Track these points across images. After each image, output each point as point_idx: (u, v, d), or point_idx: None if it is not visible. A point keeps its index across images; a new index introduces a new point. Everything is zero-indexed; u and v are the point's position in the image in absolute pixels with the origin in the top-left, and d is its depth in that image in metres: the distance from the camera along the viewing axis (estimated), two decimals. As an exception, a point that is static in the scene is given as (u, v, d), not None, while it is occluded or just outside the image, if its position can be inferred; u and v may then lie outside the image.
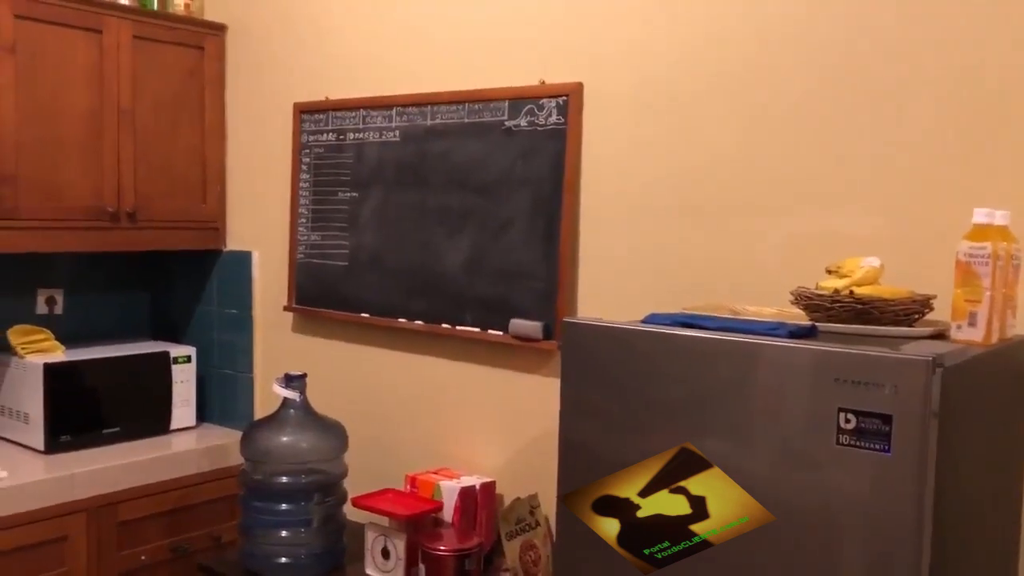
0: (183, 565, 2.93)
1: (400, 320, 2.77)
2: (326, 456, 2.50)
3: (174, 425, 3.19)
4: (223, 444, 3.09)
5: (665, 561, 1.57)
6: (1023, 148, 1.80)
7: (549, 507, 2.33)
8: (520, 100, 2.48)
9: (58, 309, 3.31)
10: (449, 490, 2.46)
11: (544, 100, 2.44)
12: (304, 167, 3.04)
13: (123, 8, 3.04)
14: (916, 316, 1.70)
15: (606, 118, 2.36)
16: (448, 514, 2.44)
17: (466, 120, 2.60)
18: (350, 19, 2.92)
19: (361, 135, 2.87)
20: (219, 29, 3.28)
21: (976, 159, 1.86)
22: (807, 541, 1.43)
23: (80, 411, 2.97)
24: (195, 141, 3.24)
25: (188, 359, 3.24)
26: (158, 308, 3.58)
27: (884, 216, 1.96)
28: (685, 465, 1.55)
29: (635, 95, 2.31)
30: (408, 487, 2.54)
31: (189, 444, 3.08)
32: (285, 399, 2.52)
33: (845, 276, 1.76)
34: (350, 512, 2.55)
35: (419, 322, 2.72)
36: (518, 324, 2.48)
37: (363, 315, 2.87)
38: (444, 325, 2.66)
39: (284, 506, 2.45)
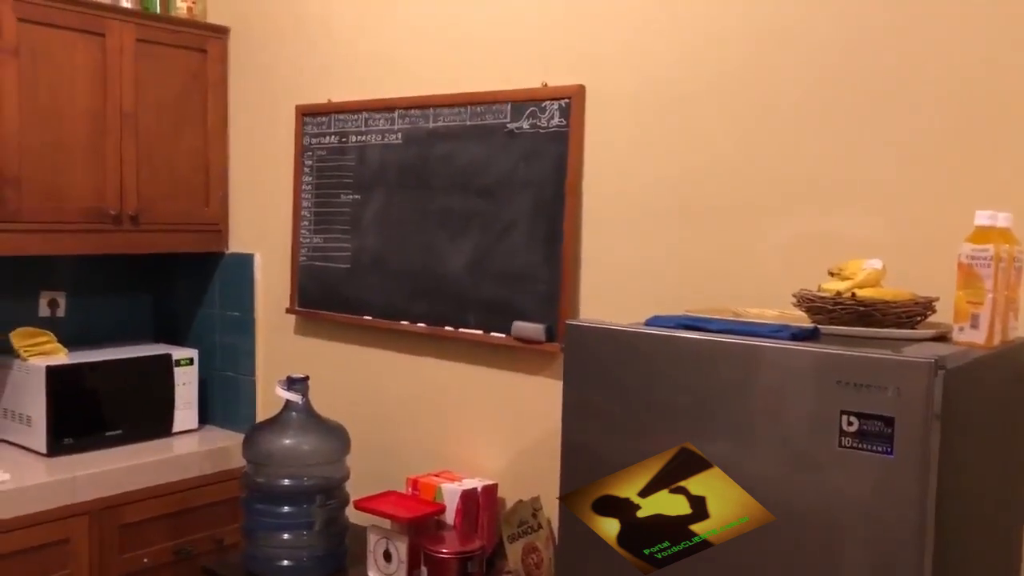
0: (185, 568, 2.93)
1: (402, 322, 2.77)
2: (328, 459, 2.50)
3: (176, 428, 3.20)
4: (225, 447, 3.09)
5: (665, 561, 1.57)
6: (1025, 150, 1.80)
7: (551, 510, 2.33)
8: (522, 102, 2.48)
9: (60, 311, 3.31)
10: (451, 492, 2.46)
11: (546, 102, 2.44)
12: (306, 169, 3.04)
13: (126, 11, 3.05)
14: (918, 318, 1.70)
15: (608, 120, 2.36)
16: (450, 517, 2.44)
17: (468, 122, 2.60)
18: (352, 22, 2.93)
19: (363, 137, 2.87)
20: (222, 32, 3.29)
21: (978, 161, 1.85)
22: (809, 543, 1.43)
23: (82, 413, 2.98)
24: (197, 144, 3.25)
25: (190, 361, 3.24)
26: (160, 310, 3.58)
27: (886, 218, 1.96)
28: (685, 465, 1.55)
29: (637, 97, 2.31)
30: (410, 490, 2.54)
31: (191, 447, 3.08)
32: (287, 401, 2.52)
33: (847, 278, 1.76)
34: (352, 515, 2.55)
35: (421, 324, 2.72)
36: (521, 326, 2.48)
37: (365, 317, 2.87)
38: (447, 327, 2.66)
39: (286, 509, 2.45)
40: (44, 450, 2.88)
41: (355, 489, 2.58)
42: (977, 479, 1.57)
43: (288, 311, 3.10)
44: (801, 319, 1.74)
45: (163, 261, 3.52)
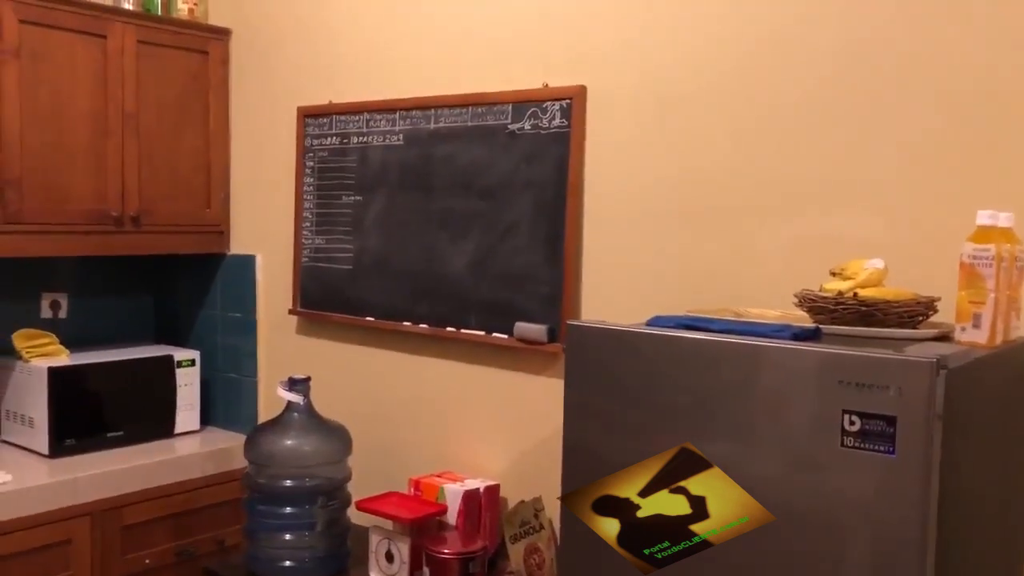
0: (187, 569, 2.93)
1: (404, 323, 2.77)
2: (330, 459, 2.50)
3: (178, 429, 3.20)
4: (227, 448, 3.09)
5: (665, 561, 1.57)
6: (1027, 150, 1.80)
7: (553, 510, 2.33)
8: (523, 103, 2.48)
9: (62, 313, 3.31)
10: (453, 493, 2.46)
11: (547, 103, 2.44)
12: (308, 171, 3.04)
13: (127, 13, 3.05)
14: (920, 318, 1.70)
15: (609, 121, 2.36)
16: (452, 517, 2.44)
17: (470, 123, 2.60)
18: (353, 23, 2.93)
19: (365, 139, 2.87)
20: (223, 33, 3.29)
21: (980, 161, 1.85)
22: (811, 543, 1.43)
23: (84, 415, 2.98)
24: (199, 145, 3.25)
25: (192, 363, 3.24)
26: (162, 312, 3.59)
27: (888, 218, 1.96)
28: (685, 465, 1.55)
29: (638, 98, 2.31)
30: (412, 490, 2.54)
31: (193, 448, 3.08)
32: (289, 402, 2.52)
33: (849, 278, 1.76)
34: (354, 515, 2.55)
35: (423, 325, 2.72)
36: (523, 327, 2.48)
37: (367, 318, 2.87)
38: (448, 328, 2.66)
39: (288, 510, 2.46)
40: (46, 451, 2.88)
41: (357, 490, 2.58)
42: (979, 479, 1.57)
43: (290, 312, 3.10)
44: (803, 319, 1.74)
45: (165, 262, 3.52)
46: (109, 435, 3.02)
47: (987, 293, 1.57)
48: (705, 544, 1.53)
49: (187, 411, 3.22)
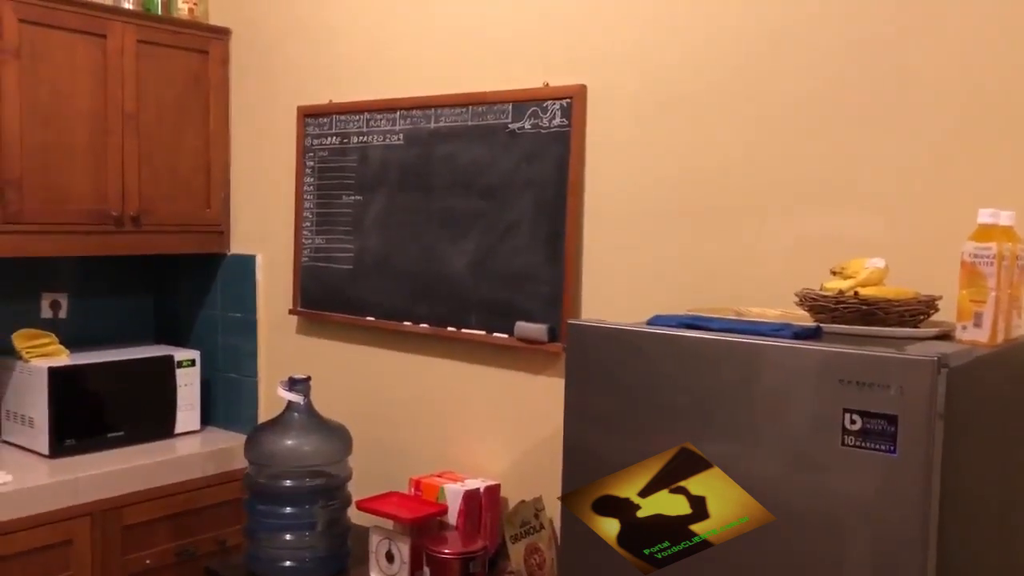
0: (188, 569, 2.93)
1: (405, 323, 2.77)
2: (330, 459, 2.50)
3: (178, 429, 3.20)
4: (228, 448, 3.09)
5: (665, 561, 1.57)
6: (1028, 148, 1.80)
7: (554, 510, 2.33)
8: (524, 103, 2.48)
9: (62, 313, 3.31)
10: (453, 493, 2.45)
11: (548, 102, 2.44)
12: (308, 170, 3.04)
13: (127, 13, 3.05)
14: (921, 317, 1.69)
15: (610, 120, 2.36)
16: (452, 517, 2.44)
17: (470, 123, 2.60)
18: (354, 22, 2.93)
19: (365, 138, 2.87)
20: (223, 33, 3.29)
21: (980, 159, 1.85)
22: (812, 543, 1.43)
23: (84, 415, 2.98)
24: (199, 145, 3.25)
25: (192, 363, 3.24)
26: (162, 312, 3.59)
27: (888, 217, 1.95)
28: (685, 465, 1.55)
29: (639, 97, 2.31)
30: (412, 490, 2.54)
31: (194, 448, 3.08)
32: (289, 402, 2.52)
33: (850, 277, 1.76)
34: (354, 515, 2.54)
35: (424, 325, 2.72)
36: (523, 327, 2.47)
37: (368, 318, 2.87)
38: (449, 328, 2.65)
39: (288, 509, 2.45)
40: (46, 451, 2.88)
41: (357, 490, 2.58)
42: (981, 478, 1.57)
43: (290, 312, 3.10)
44: (804, 318, 1.74)
45: (165, 262, 3.52)
46: (109, 435, 3.01)
47: (988, 292, 1.56)
48: (705, 544, 1.52)
49: (187, 411, 3.22)
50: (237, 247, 3.34)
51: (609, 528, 1.63)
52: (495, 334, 2.55)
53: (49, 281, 3.29)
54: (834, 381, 1.40)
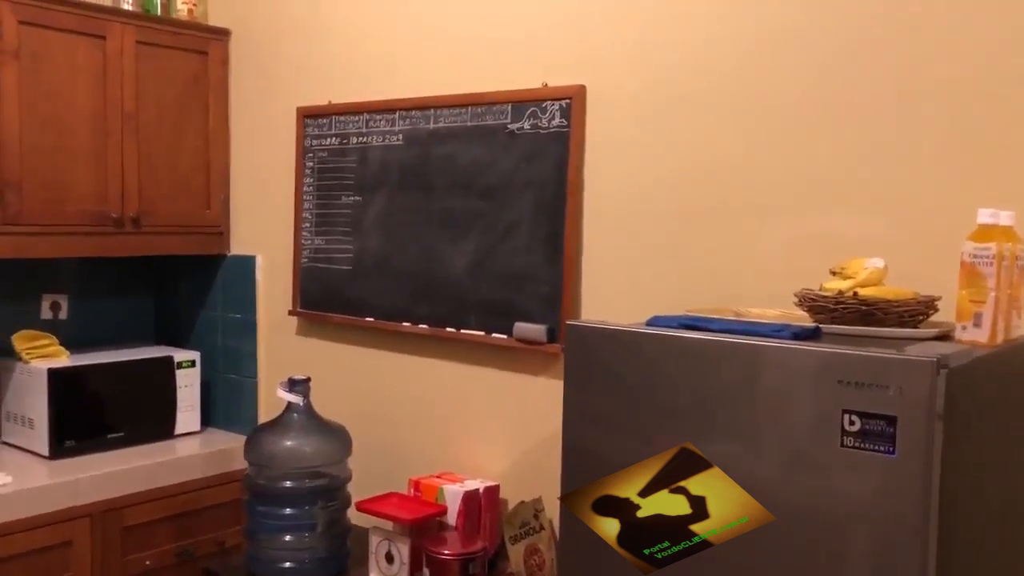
0: (188, 570, 2.93)
1: (404, 324, 2.76)
2: (330, 460, 2.50)
3: (179, 430, 3.19)
4: (228, 448, 3.09)
5: (665, 561, 1.56)
6: (1028, 148, 1.80)
7: (553, 511, 2.32)
8: (523, 103, 2.48)
9: (63, 314, 3.31)
10: (453, 494, 2.45)
11: (547, 103, 2.43)
12: (307, 171, 3.04)
13: (127, 14, 3.05)
14: (921, 317, 1.69)
15: (609, 120, 2.35)
16: (452, 518, 2.44)
17: (469, 123, 2.59)
18: (353, 23, 2.93)
19: (364, 139, 2.87)
20: (223, 34, 3.29)
21: (980, 159, 1.85)
22: (811, 543, 1.43)
23: (84, 416, 2.98)
24: (199, 146, 3.25)
25: (192, 364, 3.24)
26: (162, 313, 3.58)
27: (888, 217, 1.95)
28: (685, 465, 1.54)
29: (638, 97, 2.30)
30: (412, 491, 2.54)
31: (194, 449, 3.08)
32: (289, 403, 2.51)
33: (849, 277, 1.75)
34: (354, 516, 2.54)
35: (423, 326, 2.71)
36: (522, 327, 2.47)
37: (367, 319, 2.86)
38: (448, 329, 2.65)
39: (288, 510, 2.45)
40: (46, 452, 2.88)
41: (357, 490, 2.58)
42: (980, 479, 1.56)
43: (290, 313, 3.10)
44: (803, 319, 1.74)
45: (165, 263, 3.52)
46: (109, 436, 3.01)
47: (988, 292, 1.56)
48: (705, 544, 1.52)
49: (187, 412, 3.22)
50: (237, 248, 3.34)
51: (609, 528, 1.63)
52: (494, 335, 2.55)
53: (49, 282, 3.29)
54: (833, 382, 1.40)
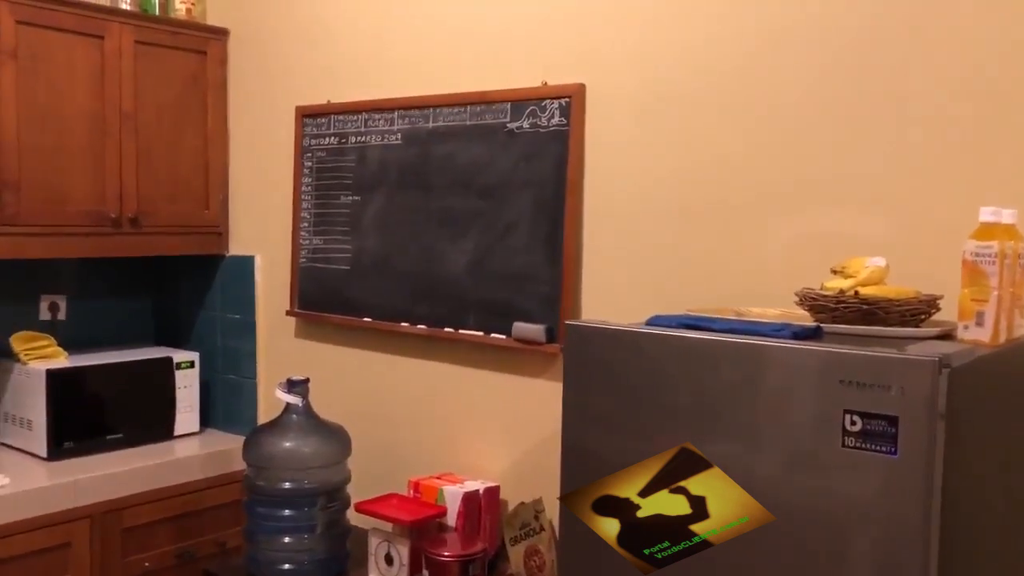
0: (188, 571, 2.92)
1: (403, 324, 2.75)
2: (329, 461, 2.49)
3: (178, 431, 3.19)
4: (227, 449, 3.08)
5: (665, 561, 1.56)
6: (1030, 146, 1.79)
7: (554, 512, 2.31)
8: (522, 102, 2.47)
9: (61, 315, 3.30)
10: (453, 495, 2.44)
11: (546, 101, 2.42)
12: (306, 171, 3.03)
13: (125, 13, 3.04)
14: (922, 316, 1.68)
15: (609, 119, 2.34)
16: (452, 519, 2.43)
17: (468, 122, 2.58)
18: (352, 22, 2.92)
19: (363, 138, 2.86)
20: (221, 33, 3.28)
21: (982, 157, 1.84)
22: (813, 544, 1.42)
23: (83, 417, 2.97)
24: (198, 146, 3.24)
25: (191, 364, 3.23)
26: (161, 313, 3.58)
27: (889, 216, 1.94)
28: (685, 465, 1.53)
29: (638, 96, 2.29)
30: (411, 492, 2.53)
31: (193, 450, 3.07)
32: (288, 404, 2.51)
33: (850, 276, 1.75)
34: (353, 517, 2.53)
35: (422, 326, 2.70)
36: (521, 327, 2.46)
37: (365, 319, 2.85)
38: (447, 329, 2.64)
39: (287, 512, 2.44)
40: (45, 454, 2.87)
41: (356, 491, 2.57)
42: (983, 479, 1.55)
43: (288, 313, 3.09)
44: (804, 318, 1.73)
45: (164, 264, 3.51)
46: (108, 437, 3.01)
47: (990, 291, 1.55)
48: (705, 544, 1.51)
49: (187, 413, 3.21)
50: (236, 248, 3.33)
51: (609, 528, 1.62)
52: (493, 335, 2.54)
53: (48, 283, 3.28)
54: (834, 382, 1.39)
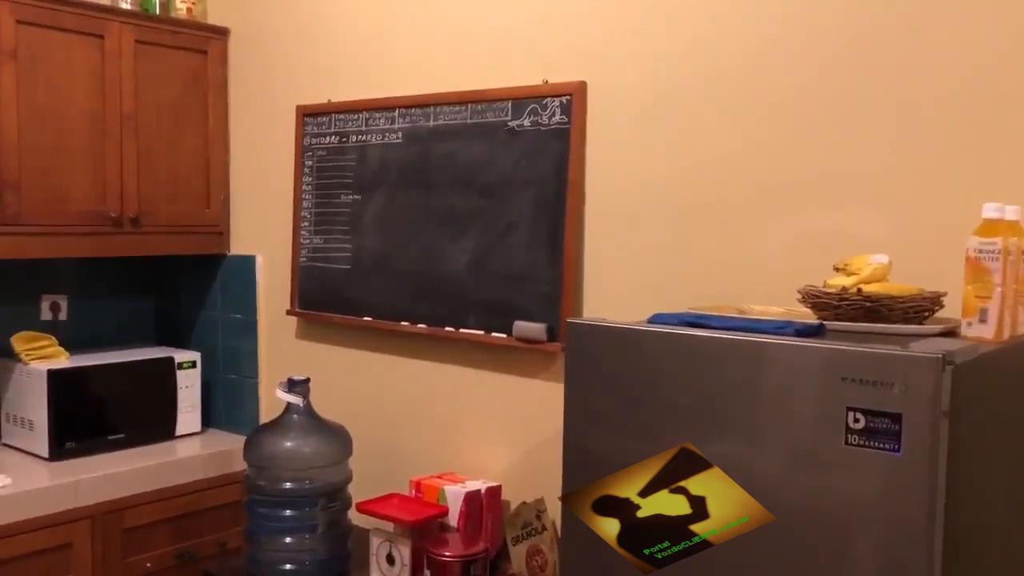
0: (189, 572, 2.92)
1: (403, 323, 2.75)
2: (330, 461, 2.48)
3: (179, 431, 3.18)
4: (228, 450, 3.07)
5: (665, 561, 1.55)
6: (1034, 142, 1.78)
7: (556, 511, 2.30)
8: (523, 100, 2.46)
9: (62, 315, 3.30)
10: (454, 495, 2.43)
11: (547, 99, 2.42)
12: (307, 170, 3.02)
13: (125, 13, 3.04)
14: (926, 313, 1.67)
15: (610, 117, 2.33)
16: (453, 519, 2.42)
17: (469, 121, 2.58)
18: (352, 21, 2.91)
19: (364, 137, 2.85)
20: (222, 33, 3.27)
21: (985, 154, 1.83)
22: (816, 542, 1.41)
23: (84, 417, 2.96)
24: (198, 145, 3.23)
25: (193, 364, 3.23)
26: (162, 313, 3.57)
27: (892, 212, 1.93)
28: (685, 465, 1.52)
29: (639, 94, 2.29)
30: (413, 492, 2.52)
31: (194, 450, 3.07)
32: (288, 404, 2.50)
33: (853, 274, 1.74)
34: (355, 518, 2.52)
35: (422, 325, 2.70)
36: (522, 326, 2.45)
37: (366, 319, 2.85)
38: (448, 328, 2.63)
39: (288, 512, 2.43)
40: (46, 454, 2.87)
41: (357, 492, 2.56)
42: (987, 476, 1.54)
43: (289, 313, 3.08)
44: (807, 316, 1.72)
45: (165, 264, 3.51)
46: (110, 437, 3.00)
47: (994, 287, 1.54)
48: (705, 544, 1.50)
49: (188, 413, 3.21)
50: (237, 248, 3.32)
51: (609, 528, 1.61)
52: (494, 334, 2.53)
53: (49, 283, 3.28)
54: (837, 379, 1.38)
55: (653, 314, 1.71)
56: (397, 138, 2.75)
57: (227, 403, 3.34)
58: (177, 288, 3.51)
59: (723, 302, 2.01)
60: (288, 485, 2.43)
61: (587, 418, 1.66)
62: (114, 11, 3.01)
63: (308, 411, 2.51)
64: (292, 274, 3.07)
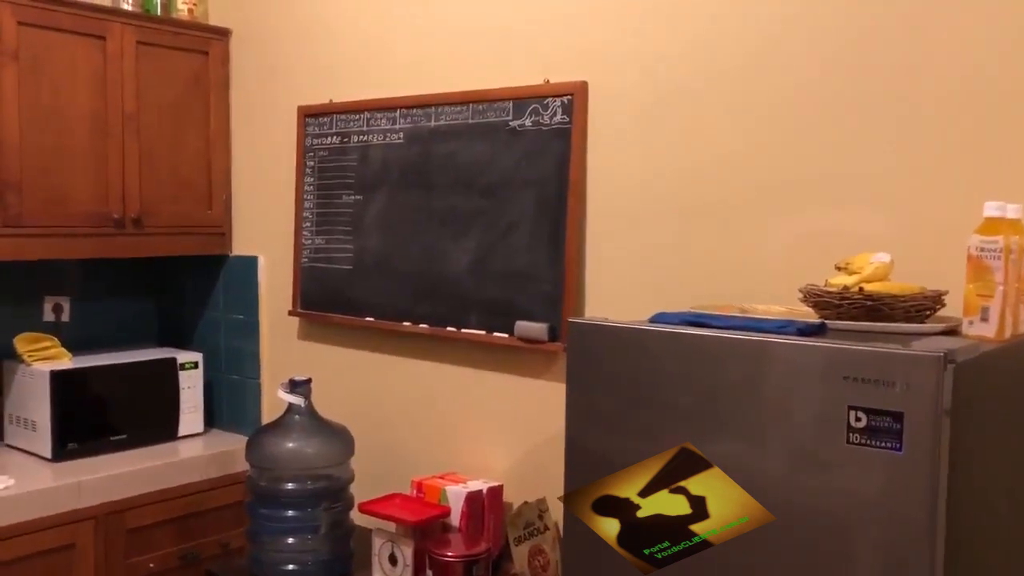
0: (191, 572, 2.92)
1: (405, 323, 2.75)
2: (332, 461, 2.48)
3: (182, 431, 3.19)
4: (231, 450, 3.07)
5: (665, 561, 1.55)
6: (1035, 140, 1.77)
7: (558, 511, 2.30)
8: (524, 100, 2.46)
9: (65, 316, 3.30)
10: (456, 495, 2.43)
11: (549, 99, 2.42)
12: (308, 170, 3.03)
13: (127, 14, 3.04)
14: (927, 312, 1.67)
15: (611, 117, 2.33)
16: (456, 519, 2.42)
17: (470, 121, 2.58)
18: (354, 22, 2.91)
19: (365, 137, 2.85)
20: (223, 34, 3.28)
21: (986, 152, 1.82)
22: (818, 542, 1.41)
23: (87, 418, 2.97)
24: (200, 146, 3.24)
25: (195, 365, 3.23)
26: (165, 314, 3.58)
27: (894, 211, 1.93)
28: (685, 465, 1.52)
29: (640, 93, 2.29)
30: (415, 492, 2.52)
31: (197, 450, 3.07)
32: (290, 404, 2.50)
33: (855, 272, 1.74)
34: (357, 518, 2.53)
35: (424, 325, 2.70)
36: (524, 326, 2.45)
37: (368, 319, 2.85)
38: (449, 328, 2.63)
39: (291, 512, 2.44)
40: (49, 455, 2.87)
41: (360, 492, 2.56)
42: (989, 475, 1.54)
43: (290, 313, 3.08)
44: (808, 315, 1.72)
45: (167, 264, 3.51)
46: (112, 438, 3.00)
47: (995, 286, 1.54)
48: (705, 544, 1.50)
49: (190, 413, 3.21)
50: (239, 248, 3.33)
51: (609, 528, 1.61)
52: (495, 334, 2.53)
53: (51, 284, 3.28)
54: (839, 378, 1.38)
55: (655, 314, 1.71)
56: (398, 138, 2.75)
57: (229, 404, 3.34)
58: (179, 289, 3.51)
59: (724, 302, 2.01)
60: (290, 486, 2.44)
61: (589, 418, 1.66)
62: (115, 12, 3.01)
63: (310, 411, 2.51)
64: (294, 274, 3.07)
